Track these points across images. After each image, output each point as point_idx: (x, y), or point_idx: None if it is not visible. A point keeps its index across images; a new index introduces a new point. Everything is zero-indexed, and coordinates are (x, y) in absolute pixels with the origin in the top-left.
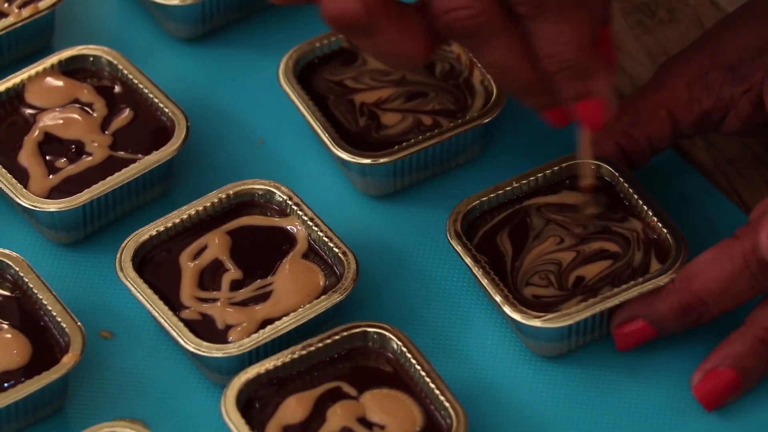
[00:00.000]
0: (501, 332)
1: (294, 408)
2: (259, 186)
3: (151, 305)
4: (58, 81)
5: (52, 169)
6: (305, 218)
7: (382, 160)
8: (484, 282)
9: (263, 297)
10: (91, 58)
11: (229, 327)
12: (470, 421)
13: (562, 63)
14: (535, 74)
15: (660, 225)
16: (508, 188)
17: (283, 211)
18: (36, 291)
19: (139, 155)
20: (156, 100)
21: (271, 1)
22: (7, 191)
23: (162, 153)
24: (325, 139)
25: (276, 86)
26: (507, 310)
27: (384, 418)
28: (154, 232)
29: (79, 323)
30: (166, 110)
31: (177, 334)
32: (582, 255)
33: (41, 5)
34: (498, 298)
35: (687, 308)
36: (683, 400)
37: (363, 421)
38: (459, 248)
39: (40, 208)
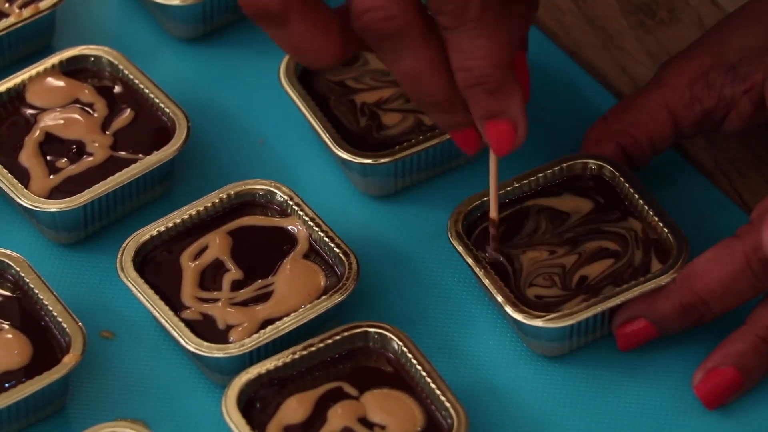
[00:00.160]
0: (502, 332)
1: (295, 408)
2: (259, 186)
3: (151, 305)
4: (59, 81)
5: (52, 169)
6: (306, 218)
7: (383, 161)
8: (486, 282)
9: (264, 297)
10: (92, 59)
11: (230, 327)
12: (471, 421)
13: (476, 78)
14: (448, 89)
15: (661, 225)
16: (508, 188)
17: (283, 212)
18: (37, 291)
19: (140, 155)
20: (157, 101)
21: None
22: (8, 191)
23: (163, 153)
24: (326, 140)
25: (277, 86)
26: (509, 310)
27: (385, 418)
28: (154, 233)
29: (79, 323)
30: (167, 110)
31: (178, 334)
32: (585, 255)
33: (42, 5)
34: (499, 298)
35: (688, 308)
36: (684, 399)
37: (364, 421)
38: (460, 248)
39: (40, 208)
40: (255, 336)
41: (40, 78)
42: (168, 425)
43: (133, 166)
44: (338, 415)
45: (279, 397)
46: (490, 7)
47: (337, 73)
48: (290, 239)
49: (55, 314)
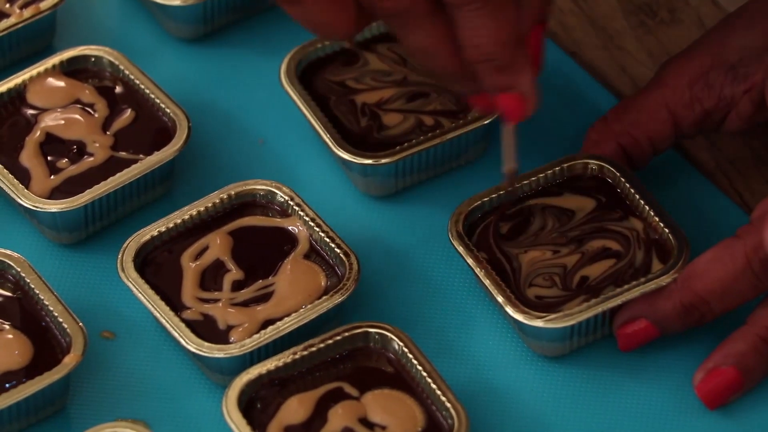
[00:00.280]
0: (502, 332)
1: (295, 408)
2: (260, 186)
3: (152, 306)
4: (60, 81)
5: (53, 169)
6: (306, 219)
7: (383, 161)
8: (486, 282)
9: (265, 297)
10: (93, 59)
11: (230, 327)
12: (472, 421)
13: (484, 55)
14: (457, 62)
15: (662, 225)
16: (509, 189)
17: (284, 212)
18: (37, 291)
19: (141, 156)
20: (157, 101)
21: None
22: (9, 192)
23: (163, 153)
24: (327, 140)
25: (277, 87)
26: (509, 310)
27: (385, 418)
28: (155, 233)
29: (80, 324)
30: (168, 111)
31: (178, 334)
32: (586, 255)
33: (43, 6)
34: (500, 299)
35: (689, 308)
36: (685, 399)
37: (364, 421)
38: (461, 249)
39: (41, 208)
40: (256, 336)
41: (40, 78)
42: (168, 426)
43: (133, 166)
44: (339, 416)
45: (280, 397)
46: None
47: (338, 74)
48: (291, 239)
49: (56, 314)
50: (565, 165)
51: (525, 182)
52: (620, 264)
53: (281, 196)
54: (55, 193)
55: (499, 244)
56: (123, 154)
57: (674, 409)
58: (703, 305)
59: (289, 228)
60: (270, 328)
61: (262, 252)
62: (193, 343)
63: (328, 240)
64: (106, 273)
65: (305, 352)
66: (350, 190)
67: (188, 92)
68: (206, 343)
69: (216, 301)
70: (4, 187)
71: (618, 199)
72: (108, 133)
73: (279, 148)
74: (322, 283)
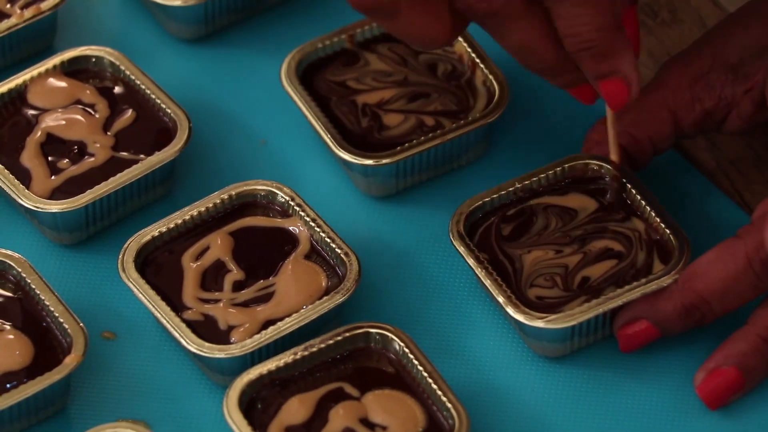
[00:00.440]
0: (503, 333)
1: (296, 409)
2: (261, 187)
3: (153, 306)
4: (61, 82)
5: (54, 169)
6: (307, 219)
7: (384, 161)
8: (487, 283)
9: (265, 298)
10: (94, 59)
11: (231, 328)
12: (472, 421)
13: (583, 44)
14: (558, 54)
15: (662, 225)
16: (510, 189)
17: (285, 212)
18: (38, 292)
19: (142, 156)
20: (158, 101)
21: None
22: (10, 192)
23: (164, 154)
24: (328, 140)
25: (278, 87)
26: (510, 311)
27: (386, 418)
28: (156, 233)
29: (81, 324)
30: (169, 111)
31: (179, 334)
32: (588, 255)
33: (44, 6)
34: (501, 299)
35: (690, 308)
36: (686, 399)
37: (365, 421)
38: (462, 249)
39: (42, 208)
40: (256, 336)
41: (41, 78)
42: (169, 426)
43: (134, 166)
44: (339, 416)
45: (280, 397)
46: None
47: (339, 74)
48: (291, 240)
49: (57, 315)
50: (566, 165)
51: (526, 182)
52: (622, 265)
53: (282, 197)
54: (55, 194)
55: (501, 245)
56: (124, 154)
57: (675, 410)
58: (704, 305)
59: (290, 228)
60: (271, 328)
61: (262, 252)
62: (193, 344)
63: (328, 240)
64: (106, 273)
65: (306, 353)
66: (351, 190)
67: (189, 92)
68: (207, 344)
69: (217, 301)
70: (5, 188)
71: (619, 200)
72: (109, 133)
73: (280, 149)
74: (323, 284)
